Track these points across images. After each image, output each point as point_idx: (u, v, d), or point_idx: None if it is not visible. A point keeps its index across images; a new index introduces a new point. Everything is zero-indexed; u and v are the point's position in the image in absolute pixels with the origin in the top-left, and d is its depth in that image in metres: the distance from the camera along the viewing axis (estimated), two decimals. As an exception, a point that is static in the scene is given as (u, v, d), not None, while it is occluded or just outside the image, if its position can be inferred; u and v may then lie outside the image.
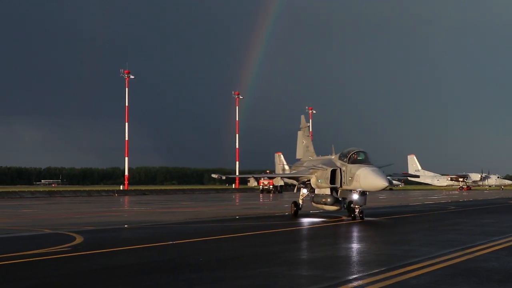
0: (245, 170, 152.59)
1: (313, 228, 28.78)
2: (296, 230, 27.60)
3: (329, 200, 35.79)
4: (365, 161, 33.42)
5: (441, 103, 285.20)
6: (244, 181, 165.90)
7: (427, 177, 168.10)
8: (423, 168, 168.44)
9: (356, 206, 33.73)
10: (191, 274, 15.43)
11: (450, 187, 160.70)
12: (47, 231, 27.68)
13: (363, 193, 33.78)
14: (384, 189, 34.53)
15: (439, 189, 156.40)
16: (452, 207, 51.81)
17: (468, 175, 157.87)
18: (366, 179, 32.22)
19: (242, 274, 15.28)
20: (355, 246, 21.72)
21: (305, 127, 45.65)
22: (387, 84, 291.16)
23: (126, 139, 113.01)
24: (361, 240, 24.11)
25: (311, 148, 44.09)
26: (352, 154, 34.08)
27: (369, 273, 15.10)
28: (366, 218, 34.36)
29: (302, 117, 46.25)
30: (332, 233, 27.75)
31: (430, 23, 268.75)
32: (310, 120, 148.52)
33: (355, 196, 33.48)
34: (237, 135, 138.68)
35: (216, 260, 18.21)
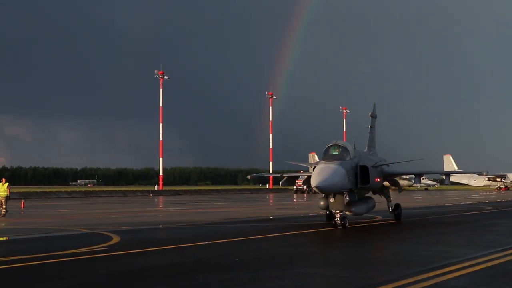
0: (278, 170, 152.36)
1: (347, 228, 28.52)
2: (330, 231, 27.44)
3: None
4: (336, 157, 27.86)
5: (479, 101, 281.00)
6: (277, 181, 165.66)
7: (464, 177, 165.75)
8: (459, 168, 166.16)
9: (335, 211, 28.28)
10: (228, 274, 15.46)
11: (487, 187, 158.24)
12: (84, 231, 28.04)
13: (350, 194, 29.02)
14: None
15: (476, 189, 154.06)
16: (490, 208, 50.95)
17: (506, 175, 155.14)
18: (312, 180, 26.92)
19: (278, 274, 15.25)
20: (391, 246, 21.53)
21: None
22: (422, 83, 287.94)
23: (161, 139, 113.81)
24: (396, 240, 23.89)
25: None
26: (325, 149, 28.67)
27: (406, 273, 14.93)
28: (401, 219, 33.70)
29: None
30: (367, 233, 27.55)
31: (465, 22, 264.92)
32: (344, 120, 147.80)
33: (331, 199, 28.21)
34: (270, 135, 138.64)
35: (252, 260, 18.22)
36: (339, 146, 28.42)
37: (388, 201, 34.47)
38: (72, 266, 17.00)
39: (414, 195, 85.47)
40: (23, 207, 52.25)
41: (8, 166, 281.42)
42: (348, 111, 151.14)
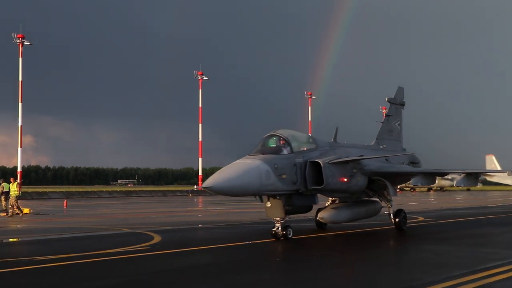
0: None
1: (388, 229, 28.12)
2: (374, 231, 27.14)
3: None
4: (268, 151, 22.54)
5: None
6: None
7: (507, 178, 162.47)
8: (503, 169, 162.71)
9: (274, 218, 23.04)
10: (269, 274, 15.43)
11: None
12: (126, 230, 28.35)
13: (296, 197, 23.42)
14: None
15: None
16: (535, 209, 49.84)
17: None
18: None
19: (321, 275, 15.15)
20: (434, 248, 21.18)
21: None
22: (464, 82, 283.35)
23: (200, 139, 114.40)
24: (440, 242, 23.48)
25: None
26: (261, 140, 23.25)
27: (451, 275, 14.68)
28: (433, 221, 30.72)
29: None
30: (410, 234, 27.13)
31: (506, 20, 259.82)
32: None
33: (268, 204, 23.08)
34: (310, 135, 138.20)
35: (292, 260, 18.16)
36: (278, 138, 23.03)
37: (388, 205, 27.91)
38: (115, 265, 17.20)
39: (456, 195, 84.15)
40: (66, 206, 53.13)
41: (51, 166, 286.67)
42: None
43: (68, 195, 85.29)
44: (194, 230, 29.15)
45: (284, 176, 22.12)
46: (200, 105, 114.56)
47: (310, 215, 28.25)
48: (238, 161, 21.52)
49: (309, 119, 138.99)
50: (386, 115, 33.13)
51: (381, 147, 31.43)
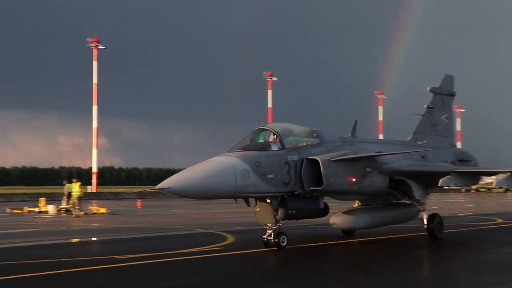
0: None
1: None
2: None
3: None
4: (253, 147, 20.22)
5: None
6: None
7: None
8: None
9: (264, 224, 20.88)
10: (342, 275, 15.31)
11: None
12: (199, 230, 28.70)
13: (290, 200, 20.65)
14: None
15: None
16: None
17: None
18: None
19: (401, 277, 14.93)
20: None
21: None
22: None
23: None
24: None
25: None
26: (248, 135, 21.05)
27: None
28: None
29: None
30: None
31: None
32: (459, 120, 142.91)
33: (257, 208, 20.92)
34: (381, 135, 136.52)
35: (367, 260, 17.97)
36: (266, 132, 20.80)
37: (420, 209, 24.70)
38: (190, 265, 17.49)
39: (507, 197, 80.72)
40: (140, 206, 54.29)
41: (124, 167, 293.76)
42: (462, 110, 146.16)
43: (141, 196, 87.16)
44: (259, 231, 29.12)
45: (270, 176, 19.47)
46: (269, 106, 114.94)
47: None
48: (211, 158, 19.10)
49: (380, 119, 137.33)
50: (428, 107, 29.20)
51: (419, 143, 27.76)
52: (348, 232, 24.81)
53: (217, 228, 29.13)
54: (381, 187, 22.88)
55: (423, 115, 28.97)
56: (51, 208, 45.32)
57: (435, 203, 59.99)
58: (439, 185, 23.21)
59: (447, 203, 60.08)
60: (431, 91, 29.31)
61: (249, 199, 20.52)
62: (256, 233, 27.61)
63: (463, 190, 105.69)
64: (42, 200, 47.48)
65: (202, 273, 15.89)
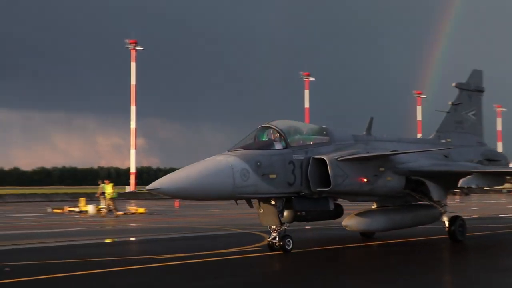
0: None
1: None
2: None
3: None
4: (254, 145, 19.26)
5: None
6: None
7: None
8: None
9: (269, 227, 19.96)
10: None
11: None
12: (237, 230, 28.71)
13: (297, 201, 19.68)
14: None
15: None
16: None
17: None
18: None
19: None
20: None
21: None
22: None
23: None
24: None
25: None
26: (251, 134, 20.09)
27: None
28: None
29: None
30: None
31: None
32: (499, 119, 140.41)
33: (260, 210, 20.02)
34: (419, 135, 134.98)
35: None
36: (270, 130, 19.78)
37: (441, 211, 23.33)
38: (228, 265, 17.46)
39: None
40: (177, 206, 54.61)
41: (162, 167, 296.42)
42: (504, 109, 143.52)
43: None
44: (305, 231, 28.85)
45: (272, 176, 18.54)
46: (306, 106, 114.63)
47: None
48: (208, 158, 18.24)
49: (418, 118, 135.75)
50: (453, 104, 27.80)
51: (442, 141, 26.50)
52: (366, 235, 23.92)
53: (255, 228, 29.02)
54: (396, 187, 21.79)
55: (447, 112, 27.69)
56: (90, 208, 45.91)
57: (475, 204, 59.09)
58: (459, 185, 21.96)
59: (488, 203, 59.06)
60: (456, 87, 28.02)
61: (252, 200, 19.67)
62: (294, 234, 27.49)
63: (504, 190, 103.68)
64: (82, 200, 48.19)
65: (240, 274, 15.88)
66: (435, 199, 22.55)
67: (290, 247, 19.33)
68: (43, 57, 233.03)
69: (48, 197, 75.31)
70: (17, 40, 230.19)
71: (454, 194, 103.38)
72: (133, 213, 44.60)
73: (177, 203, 57.11)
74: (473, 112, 28.40)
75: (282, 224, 19.31)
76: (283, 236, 19.30)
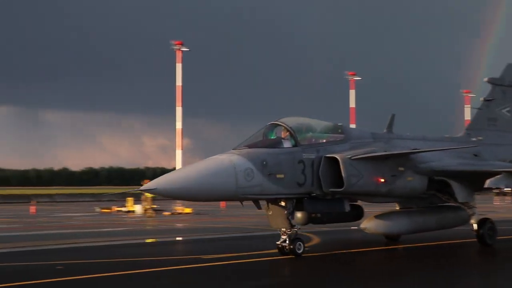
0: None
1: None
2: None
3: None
4: (261, 144, 18.28)
5: None
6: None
7: None
8: None
9: (279, 229, 18.98)
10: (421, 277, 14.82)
11: None
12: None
13: (309, 202, 18.57)
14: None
15: None
16: None
17: None
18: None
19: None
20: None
21: None
22: None
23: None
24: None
25: None
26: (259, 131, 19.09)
27: None
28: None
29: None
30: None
31: None
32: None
33: (269, 212, 19.28)
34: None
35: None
36: (278, 128, 18.75)
37: (469, 213, 21.92)
38: (274, 266, 17.38)
39: None
40: (224, 206, 54.77)
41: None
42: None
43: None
44: (352, 232, 28.65)
45: (279, 176, 17.54)
46: (351, 106, 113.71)
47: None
48: (210, 157, 17.38)
49: (466, 118, 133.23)
50: (485, 100, 26.08)
51: (473, 139, 24.81)
52: (391, 238, 22.66)
53: (303, 229, 28.74)
54: (417, 188, 20.33)
55: (479, 108, 26.26)
56: (138, 208, 46.36)
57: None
58: (486, 186, 20.61)
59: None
60: (489, 82, 26.12)
61: (260, 202, 18.85)
62: (343, 234, 27.29)
63: None
64: (130, 200, 48.69)
65: (283, 274, 15.86)
66: (460, 200, 21.14)
67: (301, 250, 18.20)
68: (91, 61, 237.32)
69: (96, 197, 76.46)
70: (67, 43, 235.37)
71: (505, 194, 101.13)
72: (180, 213, 44.86)
73: (223, 203, 57.23)
74: (507, 109, 26.52)
75: (292, 226, 18.28)
76: (293, 239, 18.23)
